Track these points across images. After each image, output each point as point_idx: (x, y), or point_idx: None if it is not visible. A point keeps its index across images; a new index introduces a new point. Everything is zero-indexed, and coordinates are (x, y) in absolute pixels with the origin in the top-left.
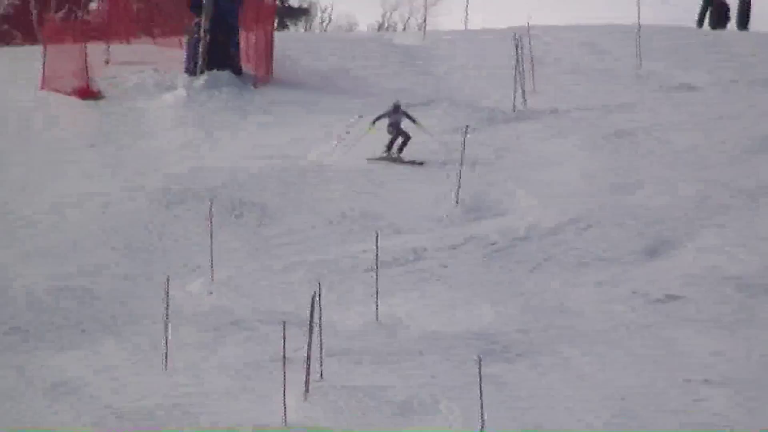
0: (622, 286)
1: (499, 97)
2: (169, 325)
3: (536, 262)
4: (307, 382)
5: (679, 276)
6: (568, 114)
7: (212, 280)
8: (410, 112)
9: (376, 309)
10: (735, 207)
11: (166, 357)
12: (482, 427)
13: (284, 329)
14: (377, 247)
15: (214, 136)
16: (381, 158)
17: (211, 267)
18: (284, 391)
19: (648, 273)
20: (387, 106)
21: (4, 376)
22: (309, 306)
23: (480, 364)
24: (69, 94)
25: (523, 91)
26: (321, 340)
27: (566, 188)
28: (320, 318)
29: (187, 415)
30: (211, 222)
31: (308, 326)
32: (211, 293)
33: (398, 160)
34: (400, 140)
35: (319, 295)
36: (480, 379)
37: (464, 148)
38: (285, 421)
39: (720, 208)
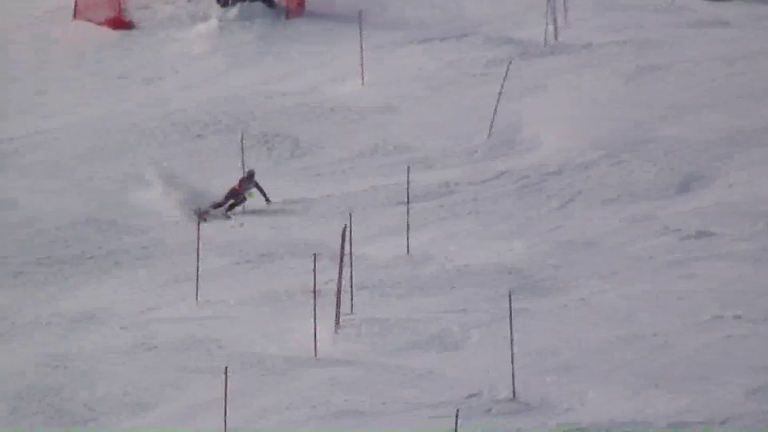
0: (654, 221)
1: (532, 32)
2: (201, 256)
3: (567, 197)
4: (337, 315)
5: (710, 212)
6: (601, 48)
7: (243, 210)
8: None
9: (407, 242)
10: (763, 143)
11: (197, 288)
12: (512, 360)
13: (315, 261)
14: (408, 181)
15: (246, 67)
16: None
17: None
18: (315, 324)
19: (679, 208)
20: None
21: (34, 306)
22: (339, 238)
23: (510, 299)
24: (101, 25)
25: (555, 26)
26: (351, 273)
27: (598, 123)
28: (351, 251)
29: (217, 347)
30: (243, 153)
31: (339, 259)
32: (242, 225)
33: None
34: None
35: (350, 228)
36: (510, 314)
37: (504, 83)
38: (315, 353)
39: (751, 143)
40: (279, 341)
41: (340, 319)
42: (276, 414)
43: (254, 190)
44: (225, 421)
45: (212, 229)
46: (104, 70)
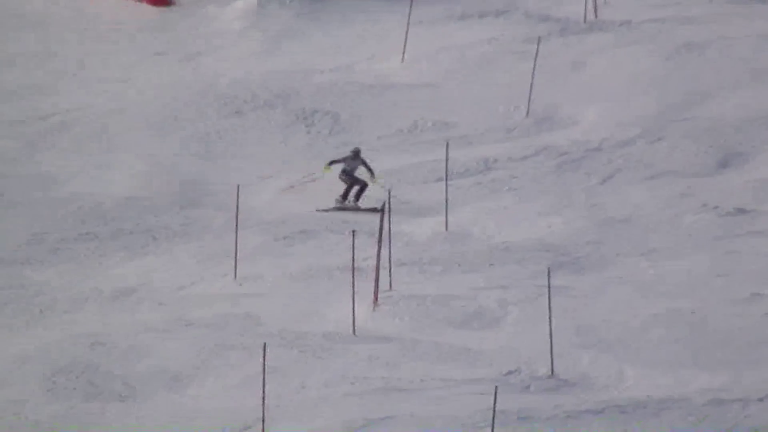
0: (693, 198)
1: (571, 8)
2: (240, 233)
3: (607, 174)
4: (375, 292)
5: (749, 189)
6: (640, 26)
7: (282, 189)
8: (368, 162)
9: (446, 219)
10: None
11: (235, 265)
12: (550, 337)
13: (353, 238)
14: (447, 157)
15: (285, 43)
16: (335, 208)
17: (282, 175)
18: (353, 301)
19: (718, 186)
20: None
21: (73, 282)
22: (379, 215)
23: (549, 275)
24: (141, 1)
25: (595, 3)
26: (390, 250)
27: (637, 100)
28: (390, 227)
29: (256, 324)
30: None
31: (378, 236)
32: (281, 202)
33: (356, 209)
34: (356, 188)
35: (389, 205)
36: (549, 290)
37: (536, 59)
38: (354, 330)
39: None
40: (317, 318)
41: (379, 296)
42: (314, 390)
43: (331, 165)
44: (263, 397)
45: (251, 205)
46: (143, 46)
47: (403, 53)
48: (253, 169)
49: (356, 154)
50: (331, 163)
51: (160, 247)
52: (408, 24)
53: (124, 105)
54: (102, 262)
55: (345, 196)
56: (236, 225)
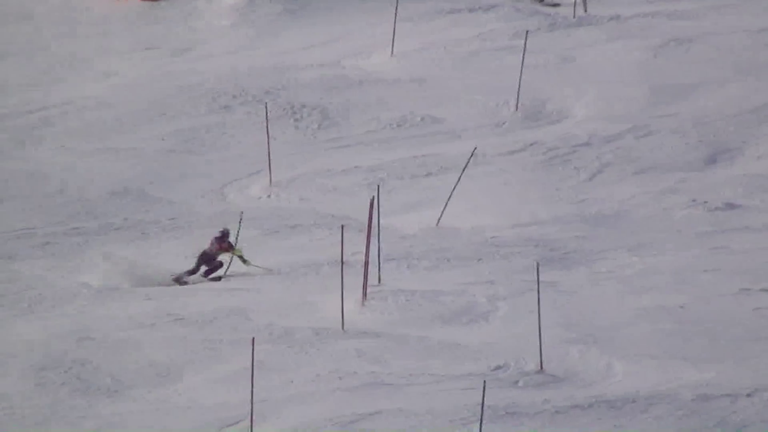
0: (681, 193)
1: (560, 3)
2: (228, 228)
3: (596, 169)
4: (364, 287)
5: (738, 184)
6: (629, 20)
7: (270, 183)
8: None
9: (436, 214)
10: None
11: (230, 262)
12: (539, 332)
13: (342, 233)
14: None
15: (274, 38)
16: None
17: (270, 170)
18: (342, 296)
19: (707, 181)
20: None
21: (62, 277)
22: (367, 210)
23: (538, 270)
24: None
25: None
26: (379, 245)
27: (626, 95)
28: (379, 222)
29: (244, 319)
30: (267, 124)
31: (367, 230)
32: (269, 196)
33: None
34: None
35: (378, 199)
36: (538, 285)
37: (524, 54)
38: (343, 325)
39: None
40: (306, 313)
41: (368, 291)
42: (302, 385)
43: (239, 246)
44: (252, 391)
45: (238, 201)
46: (132, 40)
47: (392, 48)
48: (241, 163)
49: (225, 235)
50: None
51: (148, 241)
52: (395, 18)
53: (112, 99)
54: (90, 257)
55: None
56: (240, 221)
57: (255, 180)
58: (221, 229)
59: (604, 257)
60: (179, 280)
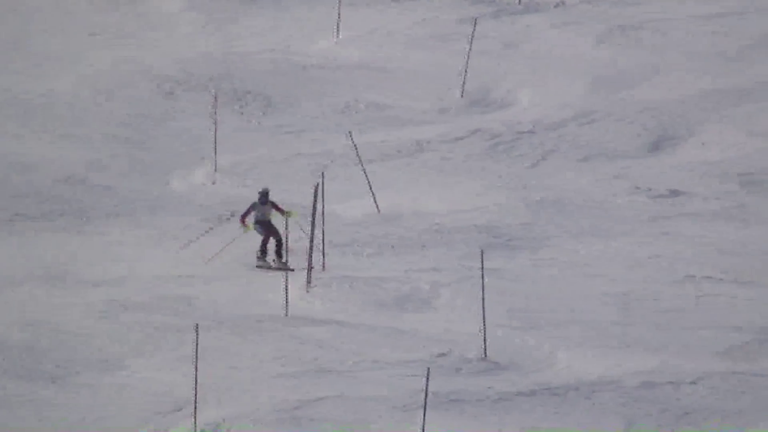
0: (625, 180)
1: None
2: (173, 215)
3: (540, 156)
4: (308, 274)
5: (682, 171)
6: (575, 7)
7: (215, 170)
8: (278, 204)
9: (381, 201)
10: (736, 102)
11: (172, 247)
12: (483, 319)
13: (287, 219)
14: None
15: (220, 25)
16: (259, 267)
17: (214, 156)
18: (286, 282)
19: (651, 168)
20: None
21: (7, 263)
22: (311, 197)
23: (482, 257)
24: None
25: None
26: (323, 231)
27: (571, 82)
28: (323, 209)
29: (190, 306)
30: (216, 111)
31: (311, 217)
32: (214, 183)
33: (282, 268)
34: (275, 245)
35: (322, 186)
36: (482, 272)
37: (471, 41)
38: (287, 311)
39: (724, 103)
40: (250, 300)
41: (312, 278)
42: (246, 372)
43: (246, 221)
44: (196, 377)
45: (182, 187)
46: (79, 26)
47: (336, 33)
48: (185, 150)
49: (264, 197)
50: (243, 218)
51: (94, 228)
52: (339, 3)
53: (56, 86)
54: (35, 243)
55: (263, 251)
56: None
57: (199, 167)
58: (260, 190)
59: (548, 244)
60: (264, 266)
